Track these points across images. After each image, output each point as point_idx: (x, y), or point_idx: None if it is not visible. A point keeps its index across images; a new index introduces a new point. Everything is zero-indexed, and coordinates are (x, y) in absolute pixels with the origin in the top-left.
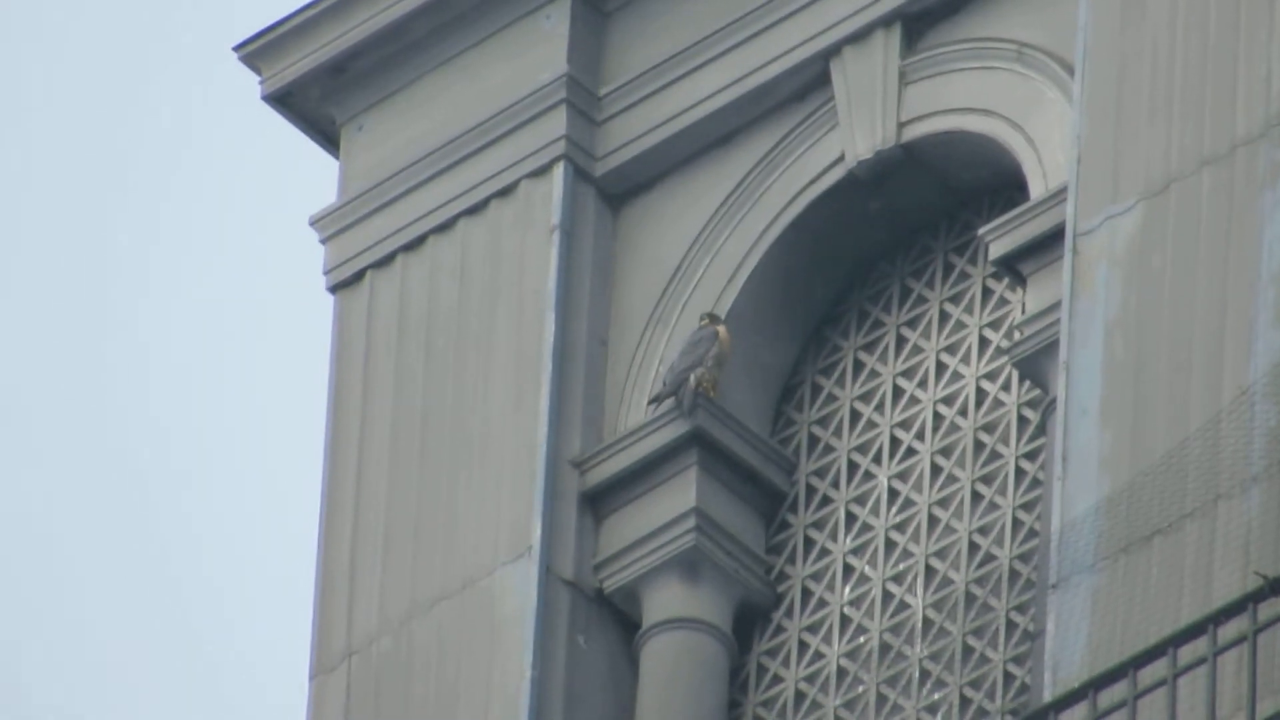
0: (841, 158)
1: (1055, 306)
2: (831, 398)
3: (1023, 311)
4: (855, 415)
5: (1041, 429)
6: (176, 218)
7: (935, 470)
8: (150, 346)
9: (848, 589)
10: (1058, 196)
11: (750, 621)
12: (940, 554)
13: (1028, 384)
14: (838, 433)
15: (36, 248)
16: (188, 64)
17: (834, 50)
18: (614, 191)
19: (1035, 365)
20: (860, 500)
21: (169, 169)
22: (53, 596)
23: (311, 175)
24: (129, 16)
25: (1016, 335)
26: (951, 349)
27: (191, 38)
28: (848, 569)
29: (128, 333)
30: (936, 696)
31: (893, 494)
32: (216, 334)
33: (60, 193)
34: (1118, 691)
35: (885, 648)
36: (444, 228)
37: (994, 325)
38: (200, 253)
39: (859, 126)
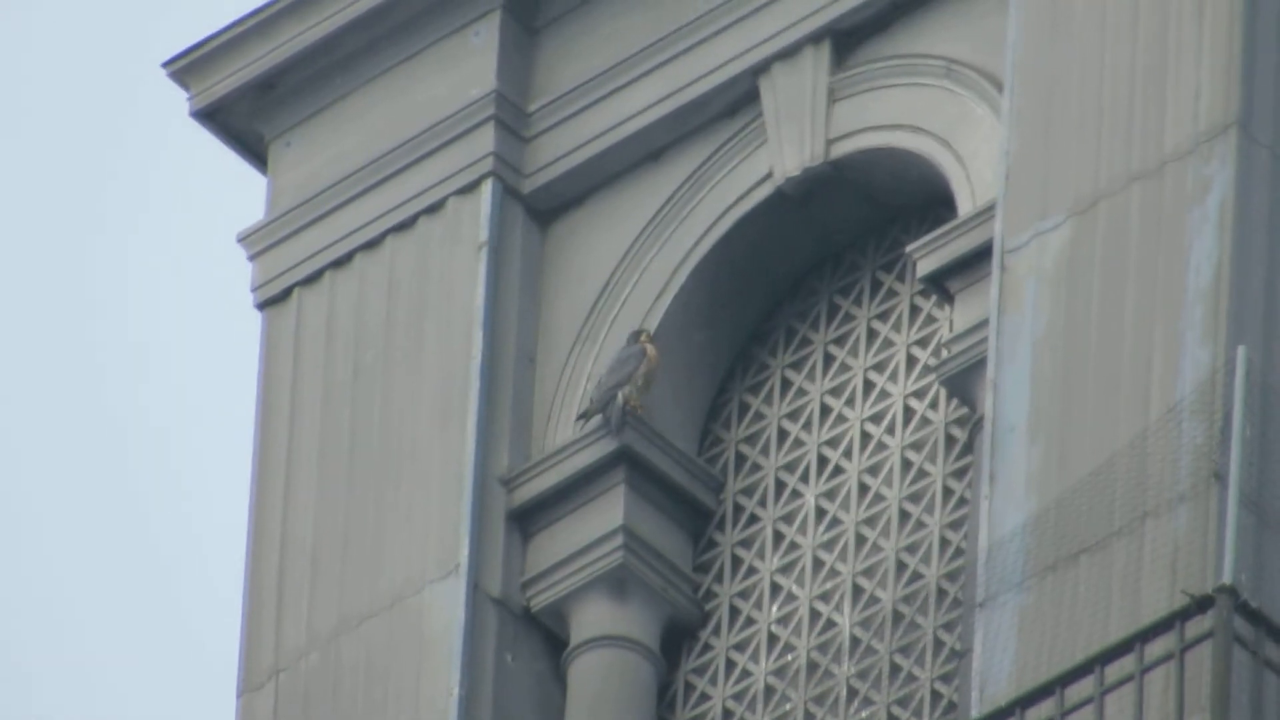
0: (770, 174)
1: (983, 324)
2: (759, 416)
3: (950, 329)
4: (783, 433)
5: (969, 447)
6: (103, 234)
7: (863, 489)
8: (76, 362)
9: (775, 607)
10: (986, 213)
11: (678, 639)
12: (868, 572)
13: (955, 402)
14: (765, 451)
15: None
16: (115, 80)
17: (763, 67)
18: (542, 208)
19: (963, 383)
20: (788, 519)
21: (96, 185)
22: None
23: (239, 192)
24: (56, 32)
25: (944, 353)
26: (879, 367)
27: (119, 53)
28: (775, 587)
29: (52, 347)
30: (864, 714)
31: (820, 512)
32: (143, 350)
33: None
34: (1045, 709)
35: (813, 666)
36: (372, 245)
37: (922, 343)
38: (128, 269)
39: (787, 143)
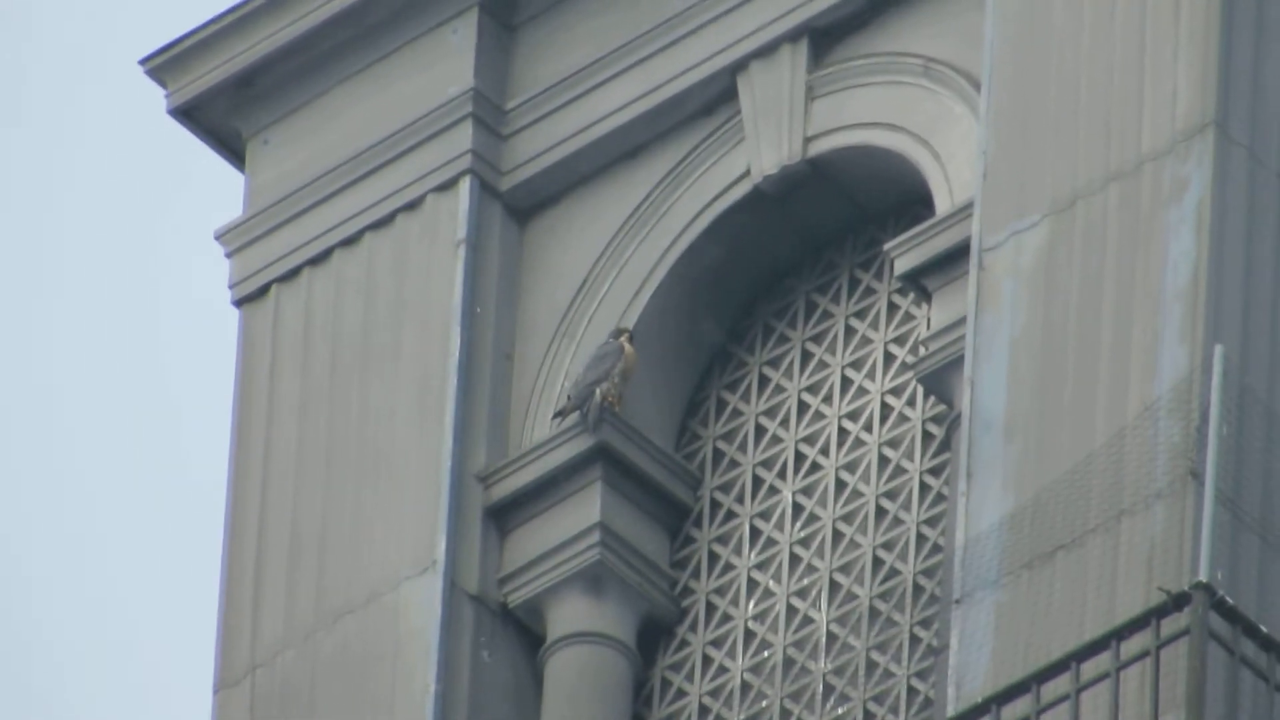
0: (748, 172)
1: (960, 322)
2: (737, 413)
3: (928, 327)
4: (760, 430)
5: (946, 444)
6: (81, 231)
7: (840, 485)
8: (53, 357)
9: (752, 604)
10: (963, 212)
11: (654, 636)
12: (844, 569)
13: (933, 399)
14: (743, 448)
15: None
16: (93, 77)
17: (741, 65)
18: (520, 205)
19: (940, 381)
20: (765, 515)
21: (74, 182)
22: None
23: (217, 189)
24: (33, 29)
25: (922, 350)
26: (857, 364)
27: (97, 50)
28: (752, 584)
29: (32, 343)
30: (840, 711)
31: (797, 509)
32: (121, 346)
33: None
34: (1021, 706)
35: (789, 662)
36: (350, 242)
37: (899, 341)
38: (105, 266)
39: (765, 141)
